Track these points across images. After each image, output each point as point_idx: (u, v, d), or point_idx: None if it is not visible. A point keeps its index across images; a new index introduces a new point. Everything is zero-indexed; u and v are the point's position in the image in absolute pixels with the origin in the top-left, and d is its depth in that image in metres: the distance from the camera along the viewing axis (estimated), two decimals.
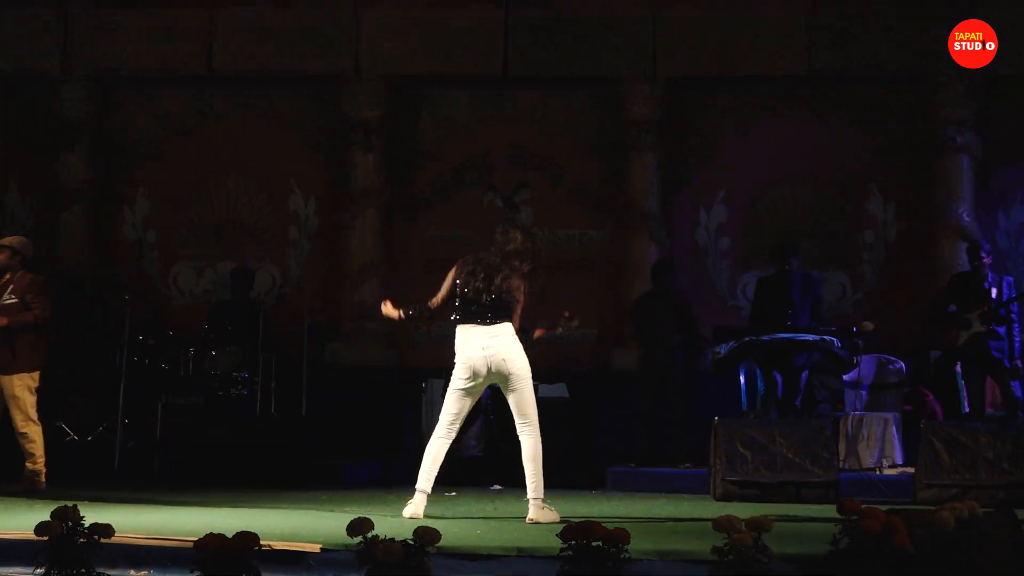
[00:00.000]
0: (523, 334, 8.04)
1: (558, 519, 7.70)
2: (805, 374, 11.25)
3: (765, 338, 11.06)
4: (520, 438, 7.90)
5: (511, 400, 7.95)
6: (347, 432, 12.29)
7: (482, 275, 7.91)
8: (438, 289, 8.07)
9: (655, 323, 11.93)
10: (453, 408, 7.98)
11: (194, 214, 13.72)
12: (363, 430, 12.41)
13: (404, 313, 8.20)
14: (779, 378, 11.31)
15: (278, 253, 13.68)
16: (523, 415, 7.91)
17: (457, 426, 8.02)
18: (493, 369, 7.82)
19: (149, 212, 13.68)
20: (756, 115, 13.38)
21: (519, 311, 7.95)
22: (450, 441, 8.02)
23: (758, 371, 11.43)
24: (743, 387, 11.59)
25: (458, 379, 7.93)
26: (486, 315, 7.85)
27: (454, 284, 7.99)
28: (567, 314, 9.45)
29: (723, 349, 11.20)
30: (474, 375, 7.86)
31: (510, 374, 7.83)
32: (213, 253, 13.67)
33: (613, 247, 13.37)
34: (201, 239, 13.71)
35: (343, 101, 13.42)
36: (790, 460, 9.74)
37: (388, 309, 8.27)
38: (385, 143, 13.42)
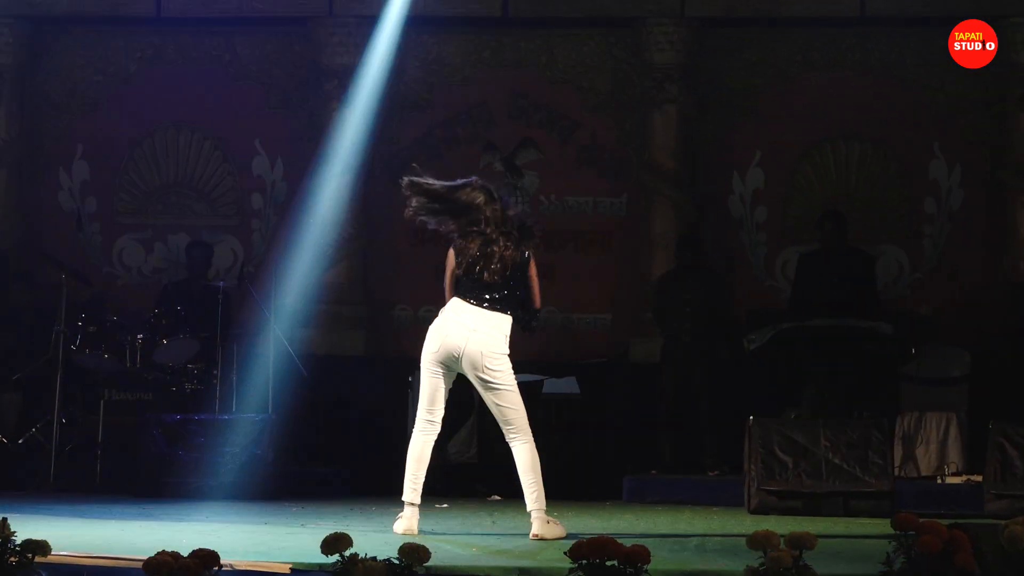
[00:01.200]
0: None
1: (564, 534, 7.78)
2: (854, 366, 11.26)
3: (808, 324, 11.12)
4: (511, 447, 7.97)
5: (490, 404, 8.02)
6: (320, 433, 12.34)
7: (491, 254, 7.99)
8: (441, 272, 8.24)
9: (680, 307, 11.99)
10: (427, 390, 8.03)
11: (140, 179, 13.76)
12: (339, 431, 12.47)
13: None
14: (824, 371, 11.29)
15: (240, 225, 13.69)
16: (506, 421, 7.97)
17: (438, 416, 8.03)
18: (464, 359, 7.87)
19: (88, 177, 13.73)
20: (799, 64, 13.37)
21: (535, 291, 8.05)
22: (434, 436, 8.05)
23: (800, 363, 11.41)
24: (782, 382, 11.66)
25: (427, 349, 8.01)
26: (489, 299, 7.94)
27: (456, 266, 8.08)
28: None
29: (759, 337, 11.24)
30: (443, 351, 7.93)
31: (484, 374, 7.89)
32: (164, 224, 13.68)
33: (631, 218, 13.36)
34: (150, 209, 13.72)
35: (315, 46, 13.44)
36: (837, 467, 9.81)
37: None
38: (365, 93, 13.30)
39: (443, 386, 8.03)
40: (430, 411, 8.02)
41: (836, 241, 11.93)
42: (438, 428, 8.08)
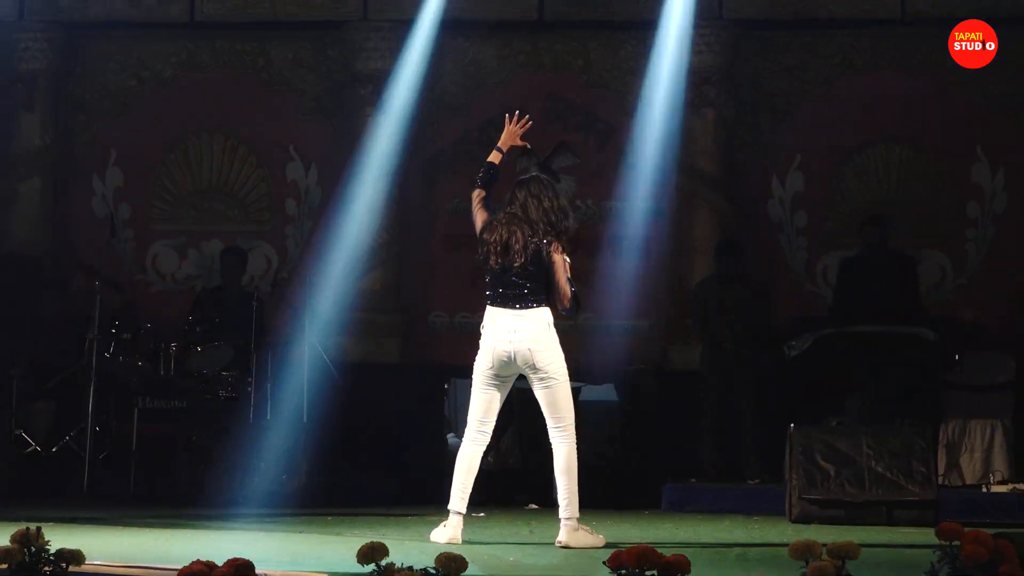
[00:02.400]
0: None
1: (601, 543, 7.76)
2: (897, 373, 11.30)
3: (849, 330, 11.14)
4: (552, 444, 7.94)
5: (540, 398, 7.99)
6: (356, 441, 12.33)
7: (512, 241, 7.96)
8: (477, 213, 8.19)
9: (720, 313, 12.00)
10: (480, 404, 8.03)
11: (174, 185, 13.82)
12: (374, 439, 12.48)
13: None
14: (867, 378, 11.34)
15: (274, 231, 13.74)
16: (556, 416, 7.94)
17: (489, 427, 8.04)
18: (518, 360, 7.90)
19: (121, 183, 13.79)
20: (839, 66, 13.37)
21: (563, 285, 7.93)
22: (483, 446, 8.06)
23: (841, 370, 11.44)
24: (824, 389, 11.66)
25: (480, 367, 8.02)
26: (519, 296, 7.92)
27: (479, 230, 8.08)
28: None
29: (800, 344, 11.25)
30: (496, 362, 7.94)
31: (538, 368, 7.90)
32: (197, 231, 13.75)
33: (670, 223, 13.33)
34: (183, 215, 13.80)
35: (349, 51, 13.52)
36: (880, 475, 9.76)
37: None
38: (399, 98, 13.38)
39: (498, 398, 8.05)
40: (482, 422, 8.01)
41: (878, 246, 11.92)
42: (488, 438, 8.08)
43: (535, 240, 7.88)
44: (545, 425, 8.06)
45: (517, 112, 8.35)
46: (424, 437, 12.60)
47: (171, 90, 13.81)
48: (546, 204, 7.95)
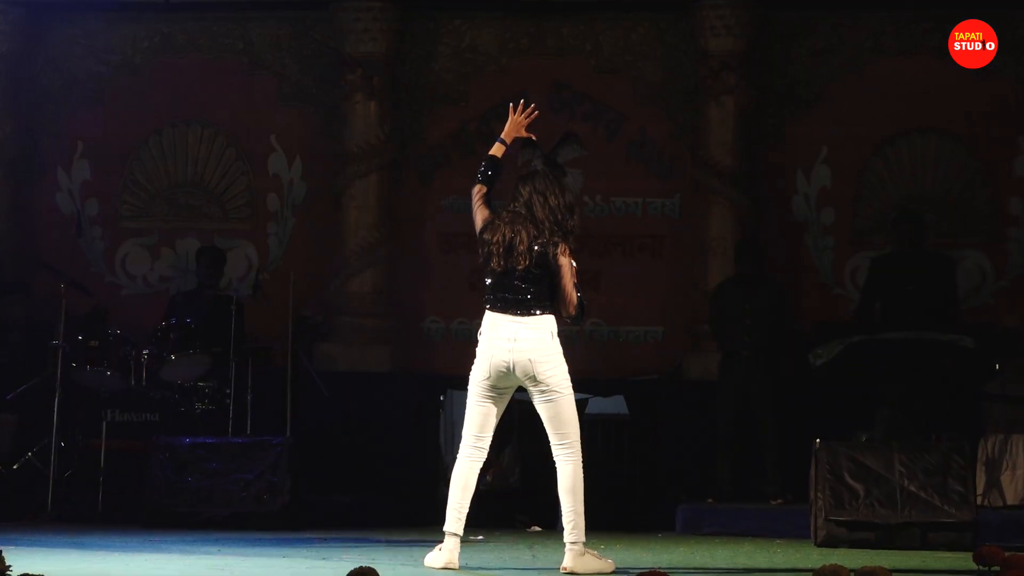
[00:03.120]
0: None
1: (611, 568, 7.72)
2: (932, 384, 11.23)
3: (880, 337, 11.09)
4: (556, 463, 7.85)
5: (542, 413, 7.92)
6: (343, 458, 12.36)
7: (515, 242, 7.91)
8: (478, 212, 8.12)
9: (740, 319, 11.98)
10: (476, 417, 7.98)
11: (146, 179, 13.82)
12: (363, 455, 12.49)
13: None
14: (899, 389, 11.30)
15: (255, 229, 13.74)
16: (559, 432, 7.86)
17: (486, 442, 7.97)
18: (517, 370, 7.83)
19: (89, 176, 13.82)
20: (870, 51, 13.34)
21: (569, 291, 7.88)
22: (480, 462, 7.99)
23: (871, 380, 11.39)
24: (852, 401, 11.62)
25: (477, 376, 7.97)
26: (521, 302, 7.87)
27: (480, 231, 8.02)
28: None
29: (826, 352, 11.19)
30: (494, 372, 7.88)
31: (539, 380, 7.83)
32: (172, 229, 13.73)
33: (685, 220, 13.36)
34: (156, 211, 13.80)
35: (336, 33, 13.49)
36: (913, 495, 9.75)
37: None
38: (391, 85, 13.49)
39: (495, 411, 7.98)
40: (478, 437, 7.94)
41: (912, 245, 11.93)
42: (485, 454, 8.01)
43: (541, 241, 7.84)
44: (544, 443, 8.00)
45: (522, 101, 8.28)
46: (418, 453, 12.70)
47: (143, 76, 13.79)
48: (552, 202, 7.89)
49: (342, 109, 13.45)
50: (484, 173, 8.19)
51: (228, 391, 11.76)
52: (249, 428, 11.74)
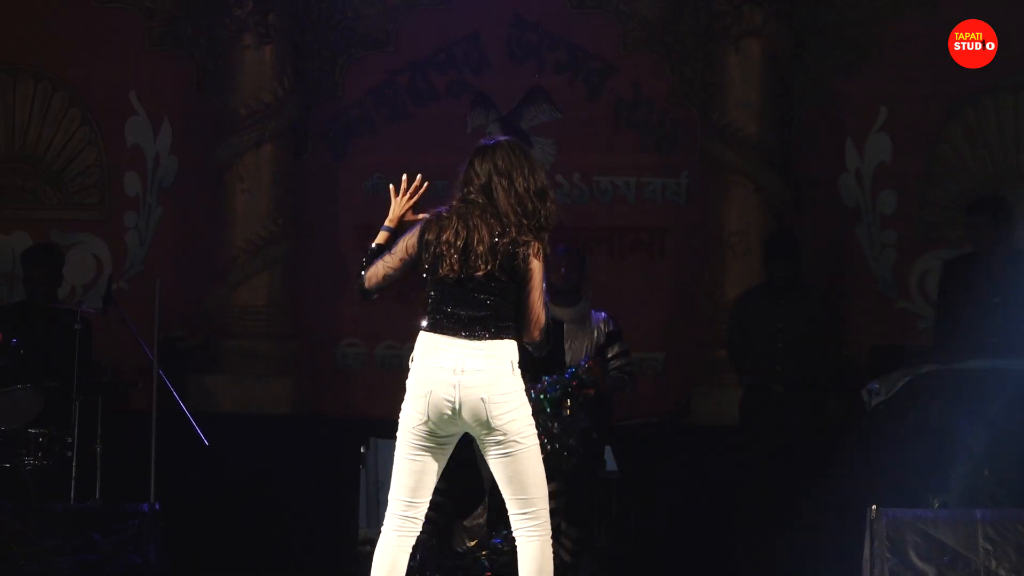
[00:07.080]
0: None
1: None
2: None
3: (957, 367, 11.03)
4: (517, 540, 7.69)
5: (497, 472, 7.71)
6: (229, 530, 12.43)
7: (472, 241, 7.74)
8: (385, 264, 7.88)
9: (769, 342, 11.97)
10: (407, 476, 7.76)
11: None
12: (257, 525, 12.59)
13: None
14: (984, 438, 11.00)
15: (107, 220, 13.75)
16: (521, 499, 7.74)
17: (420, 510, 7.72)
18: (464, 413, 7.68)
19: None
20: None
21: (537, 307, 7.74)
22: (413, 537, 7.72)
23: (946, 425, 11.13)
24: (920, 453, 11.17)
25: (409, 420, 7.74)
26: (476, 320, 7.71)
27: (411, 258, 7.76)
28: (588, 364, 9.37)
29: (886, 387, 11.17)
30: (433, 415, 7.73)
31: (494, 427, 7.64)
32: None
33: (694, 208, 13.35)
34: None
35: None
36: None
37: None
38: (293, 24, 13.43)
39: (434, 467, 7.84)
40: (410, 503, 7.77)
41: (995, 241, 11.71)
42: (419, 527, 7.78)
43: (507, 239, 7.66)
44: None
45: (404, 177, 8.01)
46: (329, 523, 12.67)
47: None
48: (520, 185, 7.74)
49: (227, 56, 13.38)
50: (368, 266, 8.09)
51: (70, 440, 11.65)
52: (98, 492, 11.67)
